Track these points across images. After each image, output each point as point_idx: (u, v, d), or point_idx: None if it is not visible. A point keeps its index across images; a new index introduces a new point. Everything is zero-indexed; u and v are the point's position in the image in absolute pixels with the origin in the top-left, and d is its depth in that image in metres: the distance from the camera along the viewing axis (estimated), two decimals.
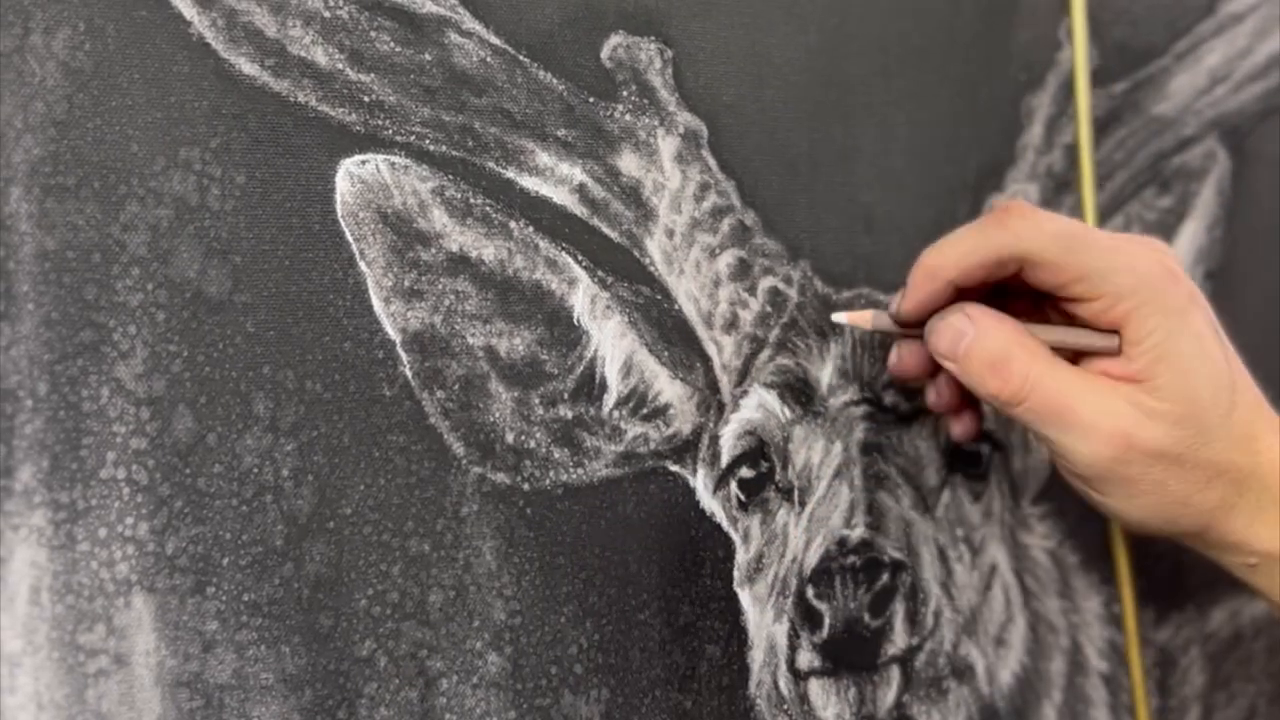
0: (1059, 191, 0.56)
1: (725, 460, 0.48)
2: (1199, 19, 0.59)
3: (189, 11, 0.40)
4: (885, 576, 0.50)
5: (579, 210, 0.46)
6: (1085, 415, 0.42)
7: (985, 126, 0.54)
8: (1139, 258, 0.43)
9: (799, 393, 0.49)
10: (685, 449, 0.48)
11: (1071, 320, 0.45)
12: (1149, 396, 0.42)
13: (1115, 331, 0.43)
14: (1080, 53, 0.54)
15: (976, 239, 0.44)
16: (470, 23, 0.44)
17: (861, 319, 0.47)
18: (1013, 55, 0.55)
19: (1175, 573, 0.58)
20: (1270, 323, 0.61)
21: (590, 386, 0.46)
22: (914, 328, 0.46)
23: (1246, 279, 0.61)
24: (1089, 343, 0.44)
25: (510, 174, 0.44)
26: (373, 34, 0.42)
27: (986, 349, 0.43)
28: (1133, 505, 0.44)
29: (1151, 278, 0.43)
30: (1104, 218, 0.57)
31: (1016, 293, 0.46)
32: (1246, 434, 0.43)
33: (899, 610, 0.51)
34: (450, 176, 0.43)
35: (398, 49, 0.43)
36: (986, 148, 0.54)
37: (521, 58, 0.45)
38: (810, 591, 0.49)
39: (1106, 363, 0.43)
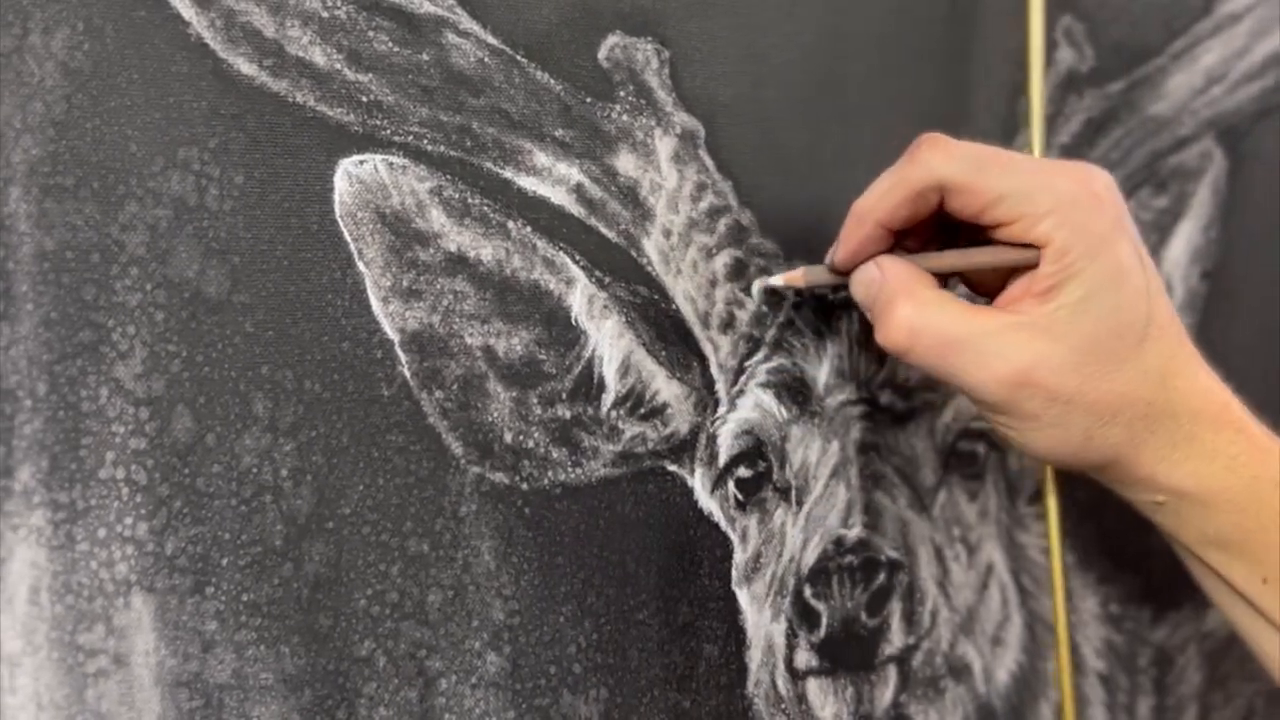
0: None
1: (723, 460, 0.48)
2: (1196, 19, 0.59)
3: (187, 12, 0.40)
4: (882, 576, 0.50)
5: (576, 210, 0.46)
6: (976, 356, 0.41)
7: (981, 126, 0.54)
8: (1059, 178, 0.42)
9: (796, 392, 0.49)
10: (683, 449, 0.48)
11: None
12: (1055, 321, 0.41)
13: (1030, 245, 0.42)
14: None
15: (895, 176, 0.43)
16: (468, 23, 0.44)
17: (794, 277, 0.46)
18: (1009, 55, 0.55)
19: (1172, 572, 0.58)
20: (1267, 322, 0.61)
21: (588, 386, 0.46)
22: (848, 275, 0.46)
23: (1243, 279, 0.61)
24: (1005, 258, 0.43)
25: (508, 174, 0.45)
26: (370, 34, 0.42)
27: (879, 298, 0.43)
28: (1035, 437, 0.42)
29: (1072, 198, 0.41)
30: None
31: (959, 229, 0.45)
32: (1160, 368, 0.42)
33: (896, 610, 0.51)
34: (448, 176, 0.44)
35: (395, 49, 0.43)
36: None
37: (519, 58, 0.45)
38: (808, 591, 0.49)
39: (1023, 287, 0.42)
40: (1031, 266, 0.42)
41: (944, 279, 0.45)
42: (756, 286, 0.48)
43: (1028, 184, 0.41)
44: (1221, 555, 0.43)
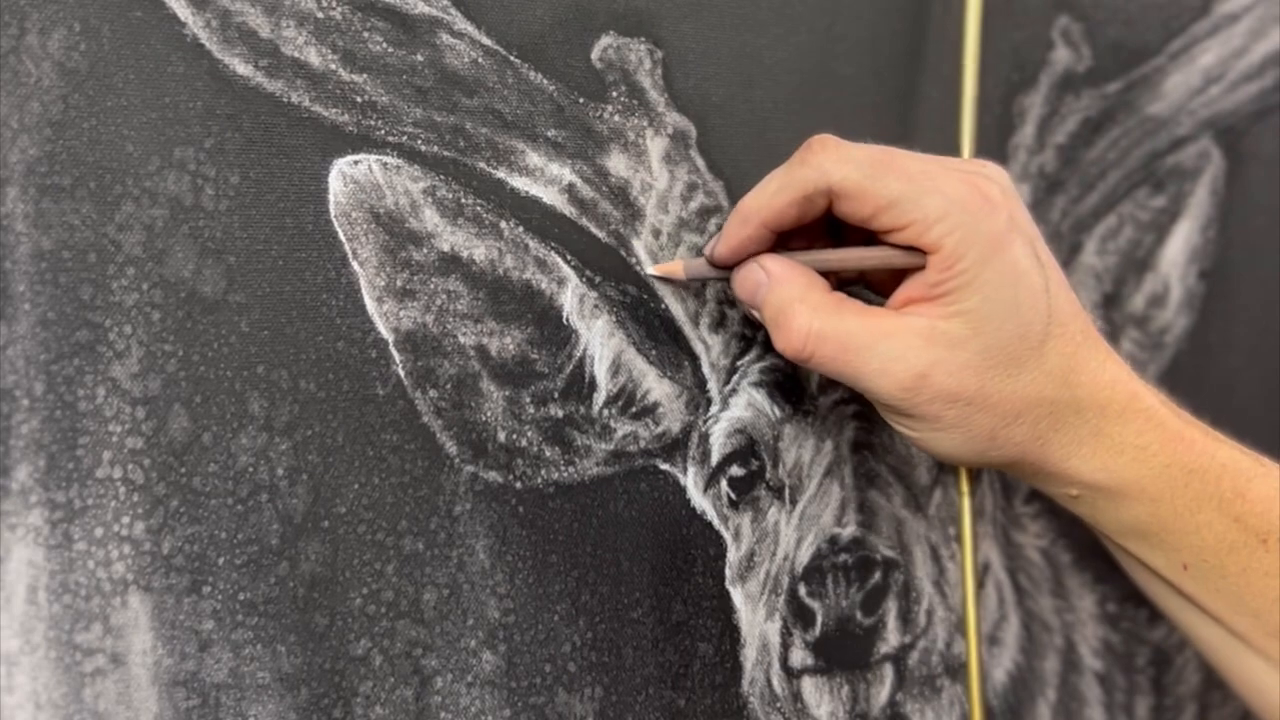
0: (1051, 191, 0.56)
1: (715, 458, 0.48)
2: (1194, 19, 0.59)
3: (183, 12, 0.40)
4: (877, 574, 0.50)
5: (568, 210, 0.46)
6: (876, 361, 0.41)
7: (977, 126, 0.54)
8: (949, 181, 0.41)
9: (788, 391, 0.49)
10: (675, 447, 0.48)
11: None
12: (951, 325, 0.40)
13: (919, 249, 0.41)
14: None
15: (783, 178, 0.42)
16: (462, 24, 0.44)
17: (673, 269, 0.46)
18: (1005, 55, 0.55)
19: None
20: (1265, 322, 0.61)
21: (580, 385, 0.46)
22: (729, 270, 0.45)
23: (1241, 279, 0.61)
24: (892, 261, 0.42)
25: (501, 174, 0.45)
26: (365, 35, 0.42)
27: (772, 302, 0.42)
28: (938, 439, 0.42)
29: (963, 201, 0.40)
30: (1097, 218, 0.57)
31: (847, 231, 0.44)
32: (1063, 366, 0.41)
33: (891, 608, 0.51)
34: (442, 176, 0.44)
35: (390, 50, 0.43)
36: (978, 148, 0.54)
37: (512, 58, 0.45)
38: (802, 589, 0.49)
39: (917, 288, 0.41)
40: (920, 268, 0.41)
41: (833, 276, 0.45)
42: (652, 270, 0.47)
43: (917, 189, 0.40)
44: (1141, 544, 0.44)
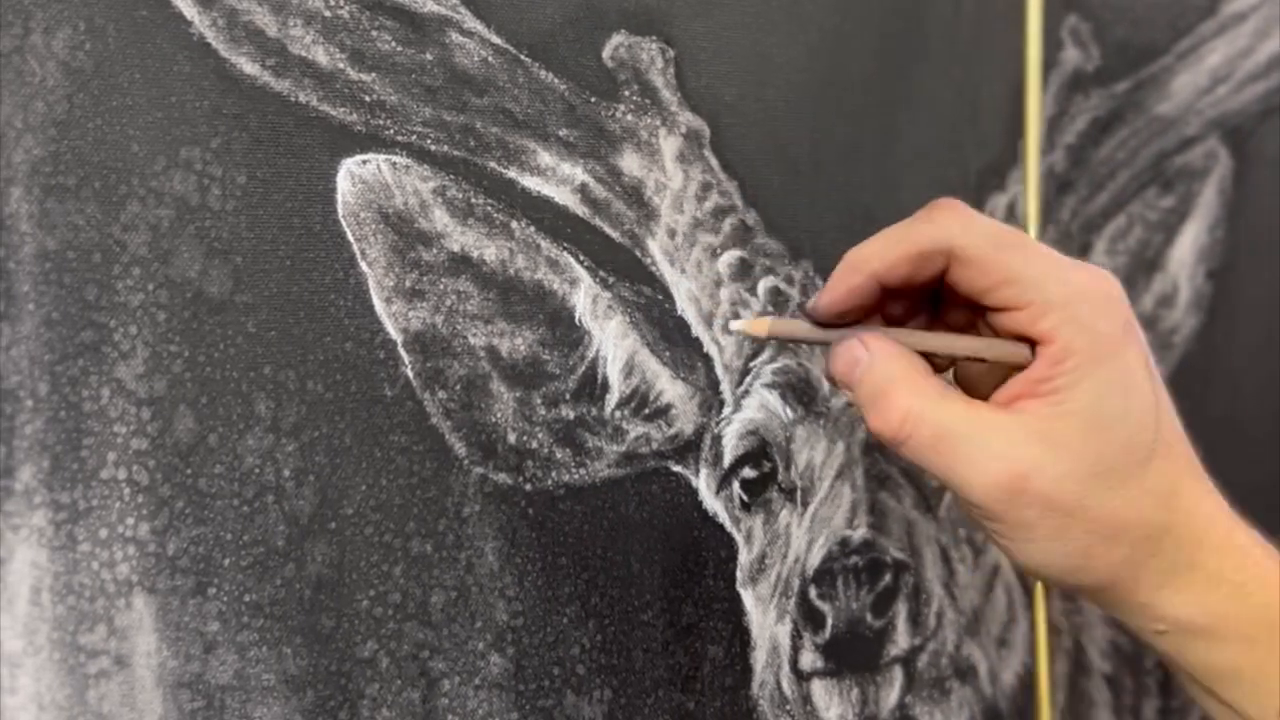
0: (1061, 191, 0.56)
1: (728, 460, 0.48)
2: (1201, 18, 0.59)
3: (190, 11, 0.40)
4: (888, 577, 0.50)
5: (581, 210, 0.46)
6: (973, 456, 0.38)
7: (987, 127, 0.54)
8: (1076, 271, 0.39)
9: (801, 393, 0.49)
10: (687, 449, 0.48)
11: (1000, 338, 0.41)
12: (1057, 427, 0.38)
13: (1029, 340, 0.39)
14: None
15: (902, 231, 0.40)
16: (471, 22, 0.44)
17: (758, 327, 0.42)
18: (1014, 55, 0.55)
19: None
20: (1272, 321, 0.61)
21: (592, 387, 0.46)
22: (833, 328, 0.42)
23: (1248, 279, 0.61)
24: (998, 351, 0.40)
25: (512, 174, 0.44)
26: (374, 33, 0.42)
27: (871, 380, 0.40)
28: (1029, 550, 0.39)
29: (1087, 293, 0.38)
30: (1106, 218, 0.57)
31: (950, 303, 0.42)
32: (1165, 488, 0.39)
33: (901, 611, 0.51)
34: (452, 176, 0.43)
35: (399, 49, 0.43)
36: (988, 148, 0.54)
37: (523, 57, 0.45)
38: (813, 592, 0.49)
39: (1023, 384, 0.39)
40: (1022, 366, 0.39)
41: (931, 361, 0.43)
42: (733, 326, 0.44)
43: (1041, 272, 0.38)
44: (1233, 689, 0.40)
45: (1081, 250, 0.57)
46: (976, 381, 0.42)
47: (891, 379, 0.39)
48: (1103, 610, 0.42)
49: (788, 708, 0.49)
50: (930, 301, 0.42)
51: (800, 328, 0.42)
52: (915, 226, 0.40)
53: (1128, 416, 0.38)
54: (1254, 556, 0.40)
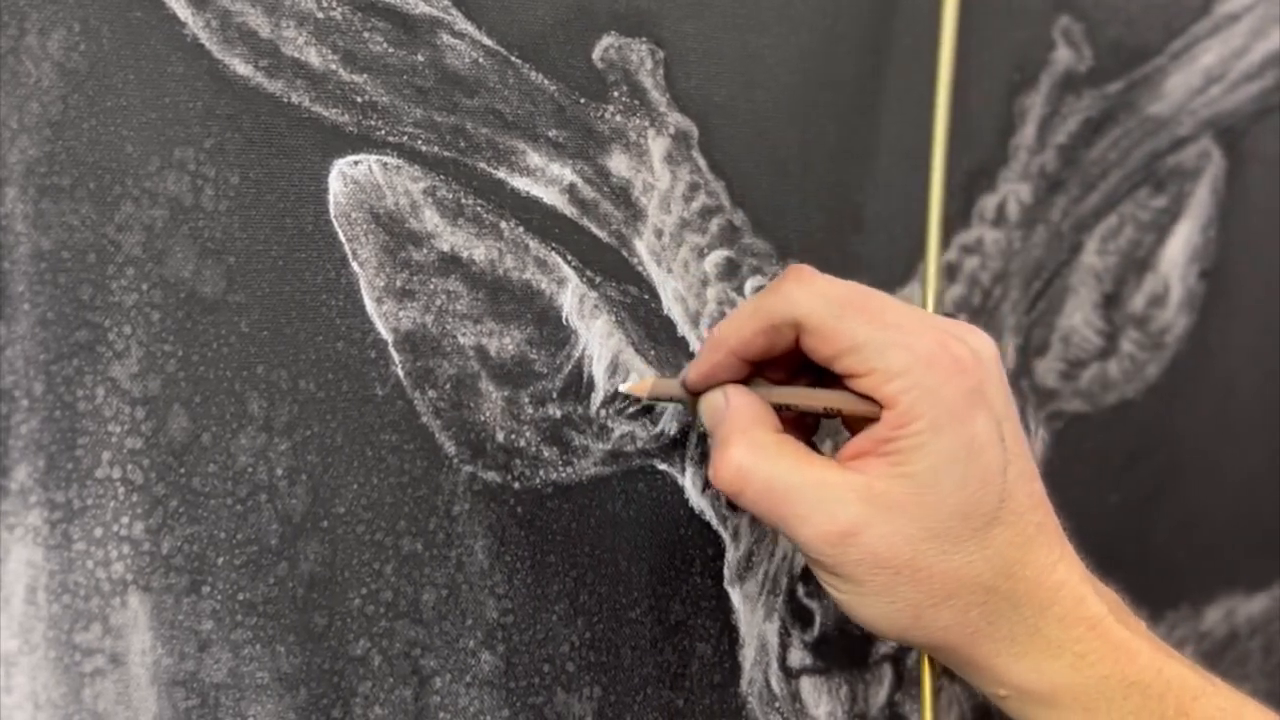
0: (1051, 191, 0.56)
1: None
2: (1194, 19, 0.59)
3: (183, 13, 0.40)
4: None
5: (569, 210, 0.46)
6: (801, 509, 0.39)
7: (977, 126, 0.54)
8: (920, 337, 0.39)
9: None
10: (673, 447, 0.48)
11: None
12: (893, 487, 0.38)
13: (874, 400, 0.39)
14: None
15: (754, 306, 0.41)
16: (463, 24, 0.44)
17: (640, 388, 0.45)
18: (1005, 55, 0.55)
19: (1169, 571, 0.58)
20: (1265, 321, 0.61)
21: (578, 385, 0.46)
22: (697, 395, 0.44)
23: (1241, 279, 0.61)
24: (850, 407, 0.41)
25: (501, 174, 0.45)
26: (366, 35, 0.42)
27: (719, 433, 0.41)
28: (859, 604, 0.40)
29: (929, 360, 0.38)
30: (1097, 218, 0.57)
31: (827, 373, 0.42)
32: (1008, 556, 0.39)
33: None
34: (442, 177, 0.44)
35: (390, 50, 0.43)
36: (978, 148, 0.54)
37: (513, 59, 0.45)
38: (801, 590, 0.49)
39: (867, 443, 0.40)
40: (875, 420, 0.40)
41: (811, 415, 0.44)
42: (620, 387, 0.46)
43: (883, 339, 0.39)
44: None
45: (1072, 250, 0.57)
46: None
47: (733, 431, 0.40)
48: (949, 668, 0.42)
49: (776, 705, 0.49)
50: (811, 366, 0.42)
51: (678, 389, 0.44)
52: (765, 299, 0.41)
53: (966, 483, 0.38)
54: (1102, 628, 0.39)
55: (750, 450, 0.40)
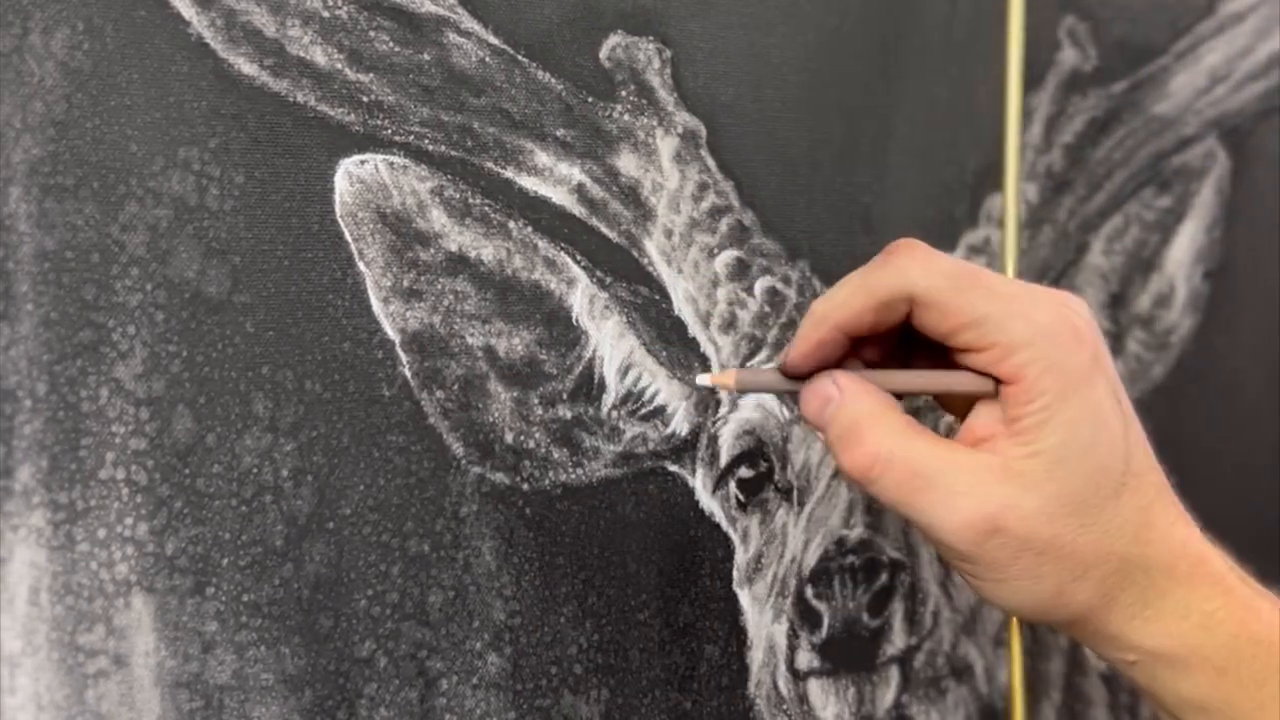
0: (1058, 191, 0.56)
1: (724, 460, 0.48)
2: (1199, 18, 0.59)
3: (188, 11, 0.40)
4: (884, 576, 0.50)
5: (578, 210, 0.46)
6: (945, 495, 0.38)
7: (984, 126, 0.54)
8: (1039, 307, 0.38)
9: (797, 393, 0.49)
10: (684, 449, 0.48)
11: None
12: (1027, 465, 0.38)
13: (993, 377, 0.39)
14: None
15: (861, 280, 0.40)
16: (469, 22, 0.44)
17: (725, 380, 0.42)
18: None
19: None
20: (1270, 321, 0.61)
21: (589, 386, 0.46)
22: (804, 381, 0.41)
23: (1246, 279, 0.61)
24: (966, 387, 0.40)
25: (509, 174, 0.45)
26: (371, 34, 0.42)
27: (841, 420, 0.39)
28: (1002, 589, 0.39)
29: (1050, 330, 0.38)
30: (1103, 218, 0.57)
31: (921, 348, 0.42)
32: (1137, 520, 0.38)
33: (898, 610, 0.51)
34: (449, 176, 0.43)
35: (396, 49, 0.43)
36: (985, 148, 0.54)
37: (520, 58, 0.45)
38: (809, 591, 0.49)
39: (992, 423, 0.39)
40: (991, 397, 0.39)
41: (902, 397, 0.42)
42: (700, 380, 0.43)
43: (1003, 311, 0.38)
44: (1201, 718, 0.40)
45: (1078, 250, 0.57)
46: (958, 413, 0.42)
47: (861, 418, 0.39)
48: (1077, 640, 0.42)
49: (784, 707, 0.49)
50: (905, 341, 0.42)
51: (771, 378, 0.42)
52: (874, 273, 0.40)
53: (1096, 451, 0.38)
54: (1225, 585, 0.39)
55: (889, 435, 0.39)
